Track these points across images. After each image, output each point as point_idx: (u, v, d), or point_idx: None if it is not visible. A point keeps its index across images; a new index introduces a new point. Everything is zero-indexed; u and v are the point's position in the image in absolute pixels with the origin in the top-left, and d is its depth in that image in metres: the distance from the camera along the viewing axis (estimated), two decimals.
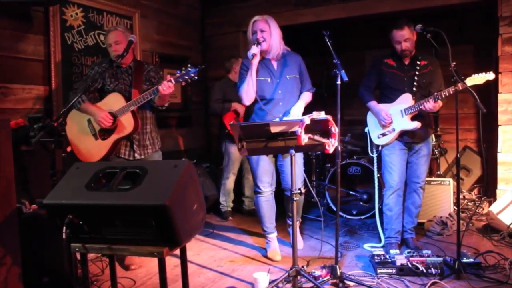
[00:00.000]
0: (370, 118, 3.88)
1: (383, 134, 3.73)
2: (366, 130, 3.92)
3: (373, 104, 3.79)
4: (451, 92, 3.31)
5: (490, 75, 3.29)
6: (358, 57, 6.50)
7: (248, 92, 3.47)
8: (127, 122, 3.43)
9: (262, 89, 3.52)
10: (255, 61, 3.42)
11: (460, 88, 3.21)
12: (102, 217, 2.12)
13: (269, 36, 3.46)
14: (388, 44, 3.74)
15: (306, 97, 3.65)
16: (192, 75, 3.28)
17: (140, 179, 2.12)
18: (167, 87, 3.26)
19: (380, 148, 3.83)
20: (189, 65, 3.32)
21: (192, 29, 6.01)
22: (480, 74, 3.30)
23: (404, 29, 3.54)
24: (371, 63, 3.94)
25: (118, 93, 3.46)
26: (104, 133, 3.47)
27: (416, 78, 3.62)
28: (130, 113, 3.41)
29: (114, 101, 3.45)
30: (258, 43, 3.40)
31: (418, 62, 3.64)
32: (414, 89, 3.62)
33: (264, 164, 3.64)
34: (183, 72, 3.29)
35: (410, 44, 3.58)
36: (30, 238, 2.71)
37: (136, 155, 3.54)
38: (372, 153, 3.95)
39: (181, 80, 3.30)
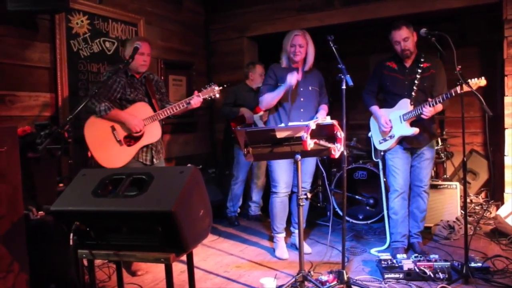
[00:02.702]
0: (373, 123, 3.88)
1: (384, 140, 3.74)
2: (369, 135, 3.92)
3: (374, 109, 3.80)
4: (445, 99, 3.34)
5: (482, 81, 3.26)
6: (362, 62, 6.49)
7: (269, 104, 3.78)
8: (156, 130, 3.62)
9: (288, 94, 3.68)
10: (289, 88, 3.62)
11: (463, 90, 3.20)
12: (108, 223, 2.13)
13: (304, 51, 3.73)
14: (392, 48, 3.75)
15: (325, 108, 3.88)
16: (217, 94, 3.74)
17: (146, 185, 2.13)
18: (198, 101, 3.64)
19: (382, 153, 3.82)
20: (212, 83, 3.77)
21: (197, 35, 6.03)
22: (472, 80, 3.26)
23: (402, 28, 3.55)
24: (374, 67, 3.95)
25: (145, 103, 3.60)
26: (130, 139, 3.54)
27: (416, 82, 3.61)
28: (158, 122, 3.60)
29: (141, 110, 3.56)
30: (297, 71, 3.68)
31: (420, 65, 3.62)
32: (413, 93, 3.60)
33: (283, 164, 3.73)
34: (209, 89, 3.72)
35: (410, 43, 3.57)
36: (37, 244, 2.72)
37: (154, 160, 3.65)
38: (376, 158, 3.95)
39: (207, 96, 3.72)
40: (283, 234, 3.93)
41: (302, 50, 3.70)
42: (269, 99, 3.73)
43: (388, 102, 3.76)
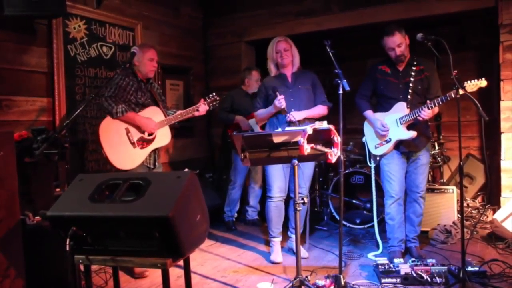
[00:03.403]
0: (367, 128, 3.87)
1: (380, 144, 3.73)
2: (363, 140, 3.91)
3: (369, 113, 3.79)
4: (444, 101, 3.32)
5: (483, 82, 3.23)
6: (359, 66, 6.49)
7: (263, 120, 3.98)
8: (167, 134, 3.79)
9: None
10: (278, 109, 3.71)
11: (459, 94, 3.18)
12: (105, 228, 2.12)
13: (290, 54, 3.84)
14: None
15: (317, 109, 3.86)
16: (217, 104, 3.99)
17: (143, 190, 2.12)
18: (205, 109, 3.86)
19: (378, 158, 3.81)
20: (214, 93, 3.97)
21: (195, 39, 6.03)
22: (472, 81, 3.23)
23: (395, 34, 3.53)
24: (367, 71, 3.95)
25: (157, 107, 3.75)
26: (143, 142, 3.65)
27: (411, 85, 3.60)
28: (168, 126, 3.77)
29: (154, 114, 3.71)
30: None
31: (414, 68, 3.61)
32: (409, 96, 3.59)
33: (278, 169, 3.76)
34: (212, 98, 3.93)
35: (403, 48, 3.56)
36: (34, 250, 2.71)
37: (156, 163, 3.80)
38: (370, 163, 3.92)
39: (211, 105, 3.93)
40: (279, 238, 3.94)
41: (288, 54, 3.80)
42: (261, 116, 3.94)
43: (383, 106, 3.75)
